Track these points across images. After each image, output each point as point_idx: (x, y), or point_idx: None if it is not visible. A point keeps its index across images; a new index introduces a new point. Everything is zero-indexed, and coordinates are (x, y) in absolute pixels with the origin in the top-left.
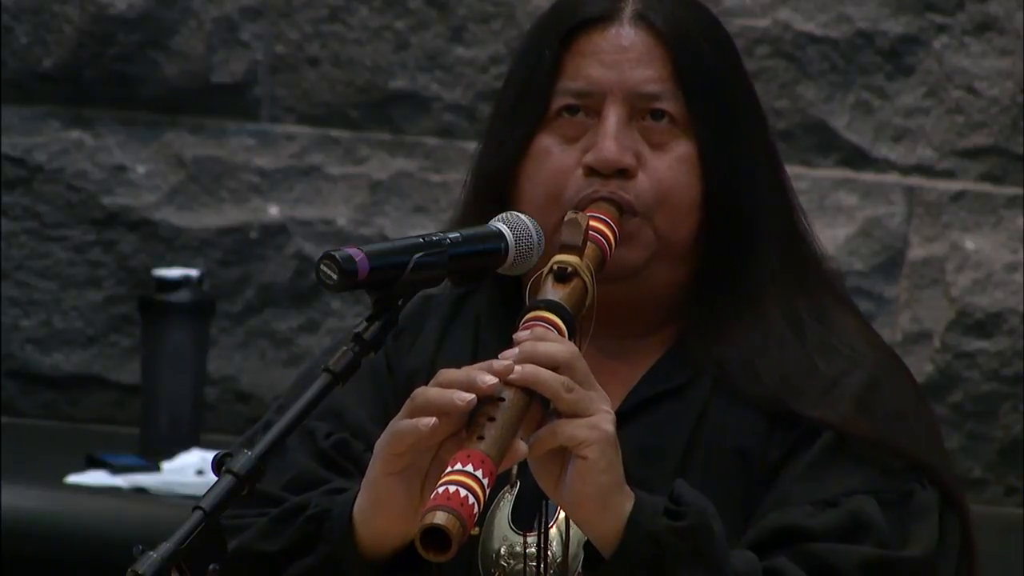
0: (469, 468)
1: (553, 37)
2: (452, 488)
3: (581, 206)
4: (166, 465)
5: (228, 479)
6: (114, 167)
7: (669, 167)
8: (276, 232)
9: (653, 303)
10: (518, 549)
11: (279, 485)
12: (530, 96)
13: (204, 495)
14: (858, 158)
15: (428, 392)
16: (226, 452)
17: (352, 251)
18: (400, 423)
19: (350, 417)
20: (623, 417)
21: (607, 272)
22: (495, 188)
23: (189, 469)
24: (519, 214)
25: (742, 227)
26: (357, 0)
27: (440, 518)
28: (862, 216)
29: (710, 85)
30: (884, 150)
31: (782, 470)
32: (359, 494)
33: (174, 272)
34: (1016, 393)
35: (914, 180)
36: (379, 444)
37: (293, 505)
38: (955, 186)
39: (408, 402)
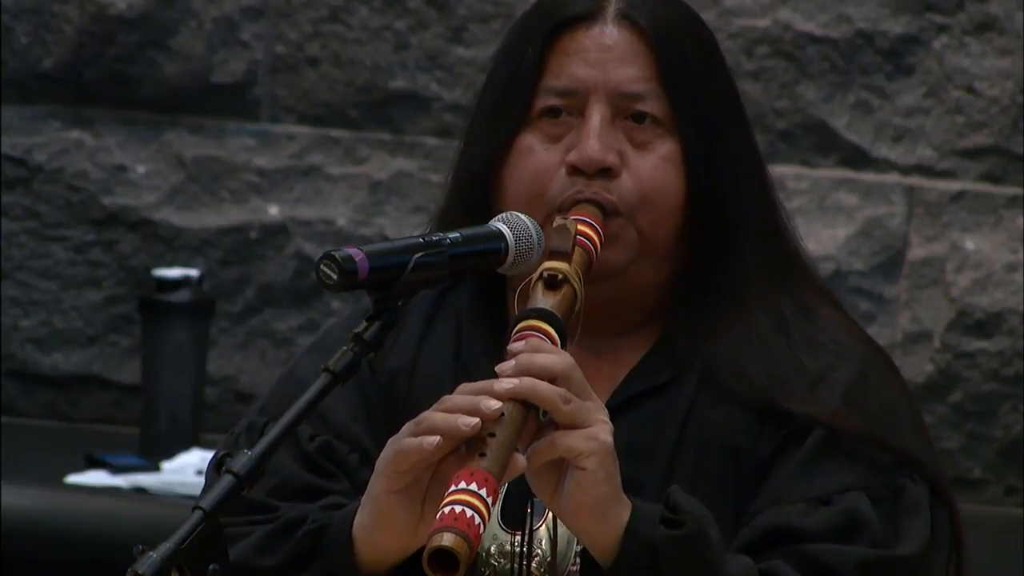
0: (473, 487)
1: (537, 35)
2: (458, 508)
3: (565, 206)
4: (166, 465)
5: (228, 479)
6: (114, 167)
7: (653, 167)
8: (276, 232)
9: (637, 302)
10: (508, 548)
11: (265, 490)
12: (513, 95)
13: (204, 495)
14: (858, 158)
15: (433, 416)
16: (226, 452)
17: (352, 251)
18: (404, 441)
19: (334, 418)
20: (611, 414)
21: (592, 272)
22: (478, 187)
23: (189, 469)
24: (519, 214)
25: (725, 226)
26: (357, 0)
27: (448, 540)
28: (862, 216)
29: (693, 84)
30: (884, 150)
31: (773, 467)
32: (359, 510)
33: (174, 272)
34: (1016, 393)
35: (914, 180)
36: (381, 461)
37: (290, 519)
38: (955, 186)
39: (411, 424)
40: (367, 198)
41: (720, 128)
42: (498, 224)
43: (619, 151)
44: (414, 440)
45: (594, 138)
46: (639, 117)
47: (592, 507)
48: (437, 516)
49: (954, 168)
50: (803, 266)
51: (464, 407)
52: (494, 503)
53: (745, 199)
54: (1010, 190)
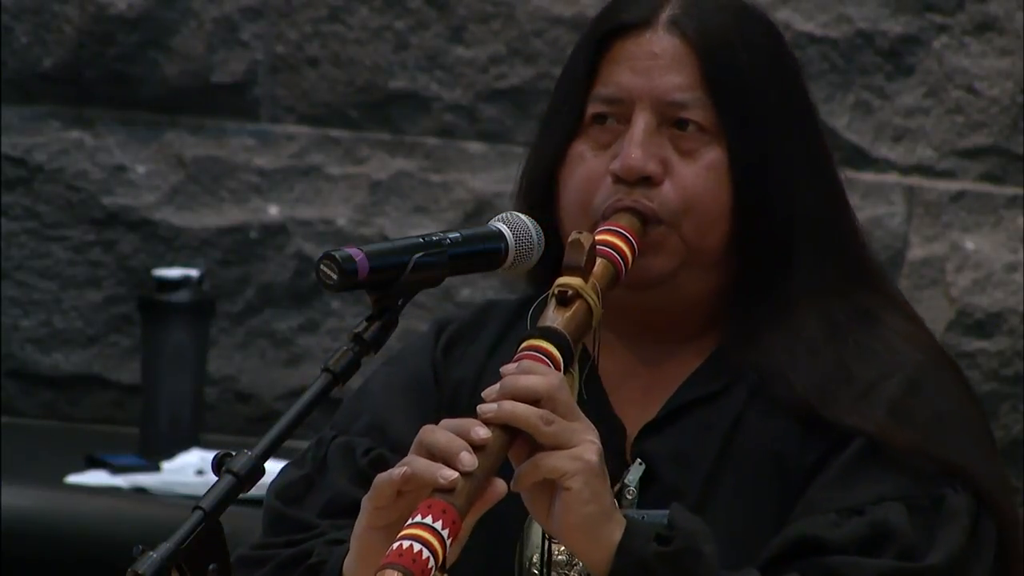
0: (428, 520)
1: (591, 42)
2: (406, 544)
3: (606, 215)
4: (166, 465)
5: (228, 479)
6: (114, 167)
7: (696, 175)
8: (276, 232)
9: (688, 311)
10: (554, 557)
11: (317, 508)
12: (567, 102)
13: (204, 495)
14: (858, 158)
15: (415, 463)
16: (226, 452)
17: (352, 251)
18: (379, 476)
19: (392, 432)
20: (659, 423)
21: (635, 280)
22: (538, 193)
23: (189, 469)
24: (519, 214)
25: (776, 234)
26: (357, 0)
27: None
28: (862, 216)
29: (742, 92)
30: (884, 150)
31: (815, 476)
32: (349, 548)
33: (174, 272)
34: (1016, 393)
35: (914, 180)
36: (365, 498)
37: (298, 552)
38: (955, 186)
39: (400, 463)
40: (367, 198)
41: (773, 135)
42: (498, 224)
43: (663, 159)
44: (384, 474)
45: (635, 146)
46: (682, 124)
47: (580, 527)
48: (387, 552)
49: (954, 168)
50: (869, 272)
51: (441, 447)
52: (452, 535)
53: (799, 205)
54: (1010, 190)
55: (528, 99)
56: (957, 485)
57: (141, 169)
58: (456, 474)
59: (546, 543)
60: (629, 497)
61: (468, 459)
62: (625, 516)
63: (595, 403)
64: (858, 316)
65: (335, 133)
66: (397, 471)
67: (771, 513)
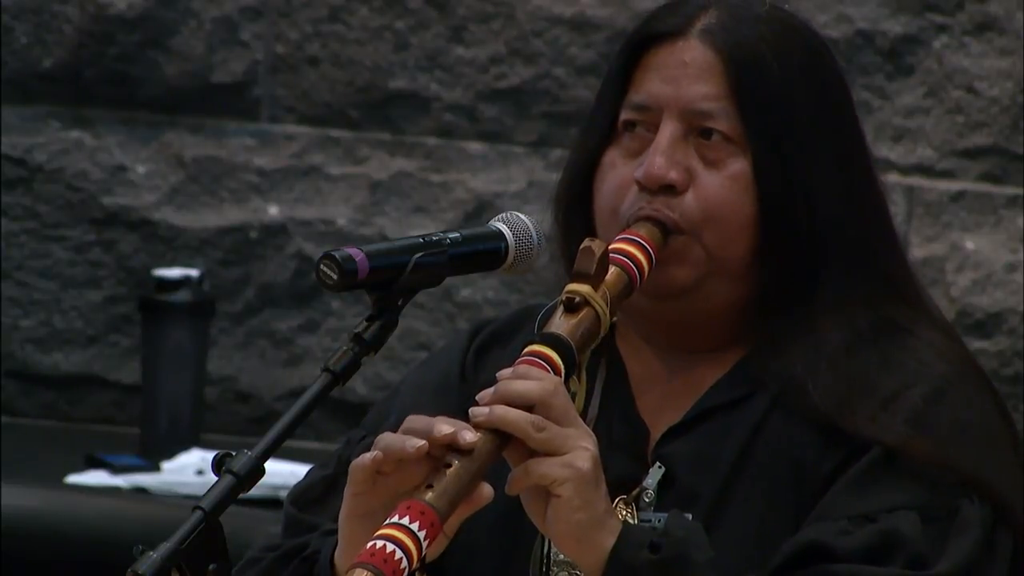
0: (405, 521)
1: (627, 49)
2: (380, 543)
3: (630, 223)
4: (166, 465)
5: (228, 479)
6: (114, 167)
7: (720, 185)
8: (276, 232)
9: (714, 320)
10: (562, 557)
11: (334, 513)
12: (602, 108)
13: (204, 495)
14: None
15: (385, 437)
16: (226, 452)
17: (352, 251)
18: (353, 462)
19: None
20: (682, 428)
21: (657, 290)
22: (575, 198)
23: (189, 469)
24: (519, 214)
25: (801, 246)
26: (357, 0)
27: None
28: None
29: (770, 104)
30: (884, 150)
31: (832, 484)
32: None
33: (174, 272)
34: (1016, 393)
35: (914, 180)
36: (346, 487)
37: (296, 545)
38: (955, 186)
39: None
40: (367, 198)
41: (801, 148)
42: (498, 224)
43: (687, 167)
44: (358, 459)
45: (658, 154)
46: (707, 134)
47: (571, 534)
48: (360, 551)
49: (954, 168)
50: (901, 285)
51: (419, 430)
52: (430, 537)
53: (826, 219)
54: (1010, 190)
55: (528, 99)
56: (974, 496)
57: (141, 169)
58: (423, 443)
59: (548, 545)
60: (647, 500)
61: (470, 435)
62: (623, 523)
63: (622, 405)
64: (885, 327)
65: (335, 133)
66: (370, 455)
67: (787, 519)
